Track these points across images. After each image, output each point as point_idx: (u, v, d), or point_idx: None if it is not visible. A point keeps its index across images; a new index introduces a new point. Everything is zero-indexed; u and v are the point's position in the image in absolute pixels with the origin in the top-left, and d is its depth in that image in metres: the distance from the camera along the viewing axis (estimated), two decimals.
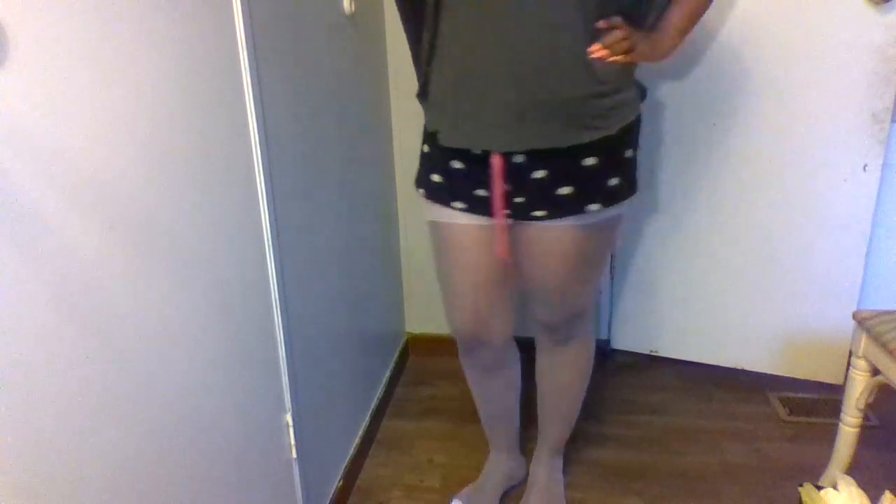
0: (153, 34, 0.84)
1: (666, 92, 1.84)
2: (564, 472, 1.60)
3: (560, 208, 1.16)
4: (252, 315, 1.13)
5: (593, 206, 1.15)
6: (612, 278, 2.10)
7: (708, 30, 1.74)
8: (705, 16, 1.72)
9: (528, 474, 1.60)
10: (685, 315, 2.04)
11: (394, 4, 1.31)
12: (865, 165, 1.72)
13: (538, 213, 1.17)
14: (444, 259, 1.32)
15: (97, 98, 0.74)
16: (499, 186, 1.17)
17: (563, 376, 1.46)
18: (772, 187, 1.81)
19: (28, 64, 0.65)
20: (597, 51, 1.07)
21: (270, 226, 1.16)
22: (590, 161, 1.13)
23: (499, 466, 1.60)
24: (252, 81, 1.08)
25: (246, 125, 1.09)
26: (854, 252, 1.79)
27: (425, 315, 2.24)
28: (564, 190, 1.14)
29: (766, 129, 1.77)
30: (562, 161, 1.13)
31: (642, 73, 1.91)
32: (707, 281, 1.97)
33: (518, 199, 1.17)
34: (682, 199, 1.92)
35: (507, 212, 1.20)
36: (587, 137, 1.11)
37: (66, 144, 0.70)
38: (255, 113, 1.09)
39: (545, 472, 1.54)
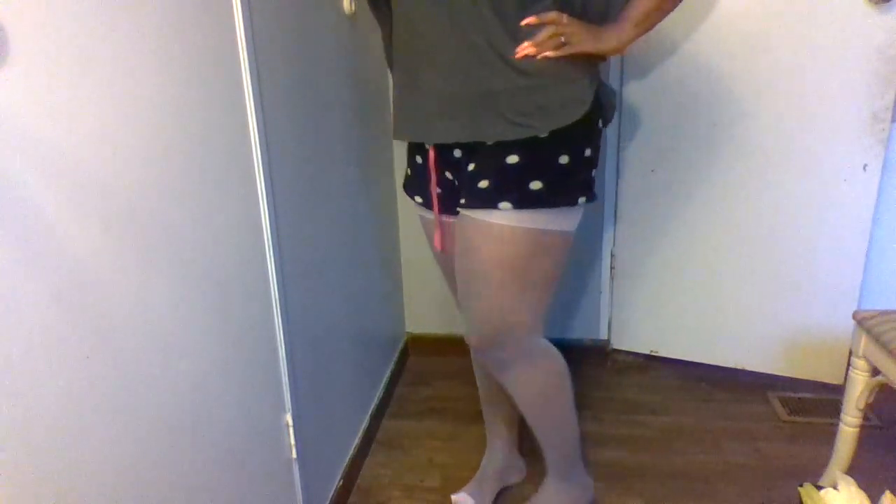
0: (153, 34, 0.84)
1: (665, 92, 1.83)
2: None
3: (476, 200, 1.15)
4: (252, 315, 1.13)
5: (504, 204, 1.11)
6: (612, 278, 2.11)
7: (708, 29, 1.74)
8: (708, 15, 1.73)
9: (524, 477, 1.60)
10: (685, 315, 2.04)
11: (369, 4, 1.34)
12: (865, 165, 1.72)
13: (462, 201, 1.18)
14: (433, 253, 1.40)
15: (97, 98, 0.74)
16: (433, 177, 1.23)
17: (519, 403, 1.34)
18: (772, 187, 1.81)
19: (28, 64, 0.65)
20: (524, 49, 1.06)
21: (270, 226, 1.16)
22: (512, 159, 1.12)
23: (493, 461, 1.58)
24: (252, 81, 1.08)
25: (246, 125, 1.09)
26: (854, 252, 1.79)
27: (425, 315, 2.24)
28: (483, 183, 1.14)
29: (765, 128, 1.77)
30: (489, 156, 1.14)
31: (643, 74, 1.91)
32: (707, 281, 1.97)
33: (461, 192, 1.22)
34: (681, 198, 1.92)
35: (460, 205, 1.22)
36: (511, 135, 1.10)
37: (66, 144, 0.70)
38: (255, 113, 1.09)
39: (544, 499, 1.47)
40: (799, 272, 1.86)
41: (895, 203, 1.84)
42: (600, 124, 1.19)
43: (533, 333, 1.26)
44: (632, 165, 1.95)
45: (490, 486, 1.56)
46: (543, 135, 1.10)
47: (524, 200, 1.11)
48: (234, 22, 1.04)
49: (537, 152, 1.11)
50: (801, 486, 1.26)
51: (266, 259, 1.17)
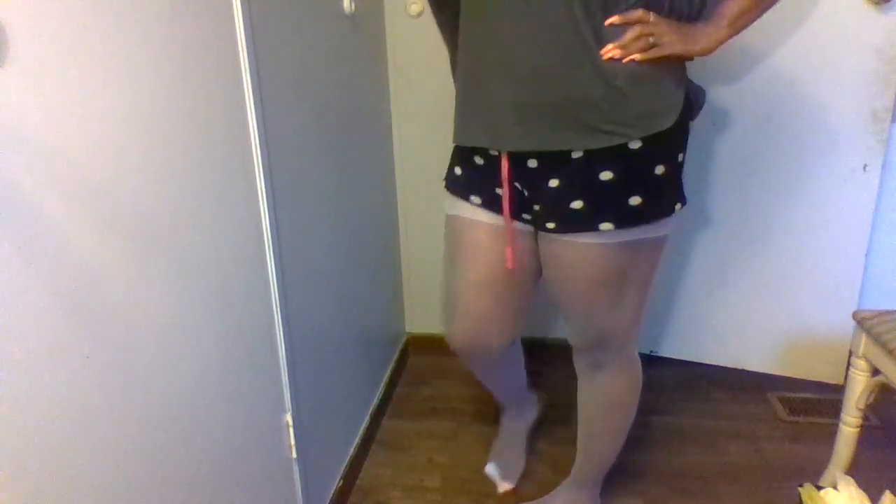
0: (153, 34, 0.84)
1: None
2: (560, 472, 1.60)
3: (571, 223, 1.08)
4: (252, 315, 1.13)
5: (606, 226, 1.05)
6: None
7: None
8: None
9: (536, 416, 1.71)
10: (685, 315, 2.04)
11: (394, 5, 1.33)
12: (865, 165, 1.72)
13: (550, 225, 1.11)
14: (453, 253, 1.27)
15: (97, 98, 0.74)
16: (506, 188, 1.14)
17: (593, 406, 1.37)
18: (771, 187, 1.81)
19: (28, 64, 0.65)
20: (609, 51, 0.98)
21: (270, 226, 1.16)
22: (606, 175, 1.04)
23: (513, 421, 1.66)
24: (252, 81, 1.08)
25: (246, 125, 1.09)
26: (854, 252, 1.79)
27: (425, 315, 2.24)
28: (576, 204, 1.06)
29: (765, 128, 1.77)
30: (577, 171, 1.06)
31: None
32: (707, 281, 1.97)
33: (535, 207, 1.14)
34: None
35: (526, 216, 1.18)
36: (598, 143, 1.02)
37: (66, 144, 0.70)
38: (255, 113, 1.09)
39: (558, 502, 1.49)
40: (799, 272, 1.86)
41: (895, 203, 1.84)
42: (689, 124, 1.13)
43: (632, 336, 1.27)
44: None
45: (519, 444, 1.64)
46: (636, 145, 1.03)
47: (625, 219, 1.05)
48: (234, 22, 1.04)
49: (632, 165, 1.04)
50: (801, 486, 1.26)
51: (266, 259, 1.17)
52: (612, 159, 1.03)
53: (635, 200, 1.05)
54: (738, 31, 1.08)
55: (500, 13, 1.02)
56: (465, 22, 1.10)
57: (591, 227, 1.06)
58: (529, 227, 1.19)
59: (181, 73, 0.90)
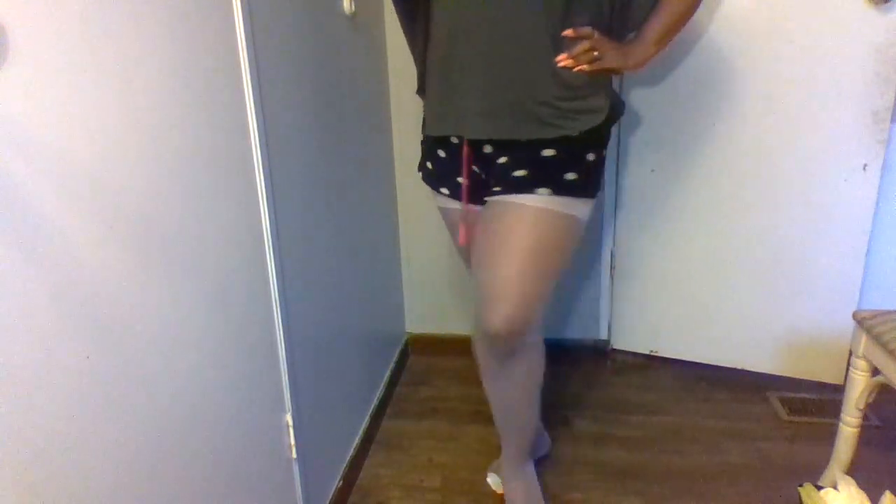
0: (153, 34, 0.84)
1: (666, 92, 1.84)
2: (560, 472, 1.60)
3: (514, 187, 1.24)
4: (252, 315, 1.13)
5: (543, 190, 1.21)
6: (612, 278, 2.11)
7: (708, 30, 1.74)
8: (706, 15, 1.73)
9: (549, 450, 1.69)
10: (685, 315, 2.04)
11: (394, 5, 1.35)
12: (865, 165, 1.72)
13: (496, 189, 1.26)
14: (449, 231, 1.48)
15: (97, 98, 0.74)
16: (466, 172, 1.30)
17: (513, 391, 1.39)
18: (772, 187, 1.81)
19: (28, 64, 0.65)
20: (562, 60, 1.14)
21: (270, 226, 1.16)
22: (548, 152, 1.21)
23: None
24: (252, 81, 1.08)
25: (246, 125, 1.09)
26: (854, 252, 1.79)
27: (425, 315, 2.24)
28: (520, 173, 1.22)
29: (765, 129, 1.77)
30: (523, 150, 1.22)
31: (643, 75, 1.91)
32: (707, 281, 1.97)
33: (486, 182, 1.30)
34: (682, 198, 1.92)
35: (484, 199, 1.31)
36: (547, 134, 1.20)
37: (67, 144, 0.70)
38: (255, 113, 1.09)
39: (522, 486, 1.50)
40: (799, 272, 1.86)
41: (895, 203, 1.84)
42: (612, 127, 1.28)
43: (541, 320, 1.33)
44: (631, 166, 1.95)
45: None
46: (574, 133, 1.20)
47: (561, 188, 1.21)
48: (234, 22, 1.04)
49: (570, 148, 1.21)
50: (801, 486, 1.26)
51: (266, 259, 1.17)
52: (554, 142, 1.21)
53: (570, 176, 1.22)
54: (662, 49, 1.27)
55: (480, 18, 1.16)
56: (442, 19, 1.22)
57: (531, 190, 1.22)
58: (478, 207, 1.33)
59: (181, 73, 0.90)
